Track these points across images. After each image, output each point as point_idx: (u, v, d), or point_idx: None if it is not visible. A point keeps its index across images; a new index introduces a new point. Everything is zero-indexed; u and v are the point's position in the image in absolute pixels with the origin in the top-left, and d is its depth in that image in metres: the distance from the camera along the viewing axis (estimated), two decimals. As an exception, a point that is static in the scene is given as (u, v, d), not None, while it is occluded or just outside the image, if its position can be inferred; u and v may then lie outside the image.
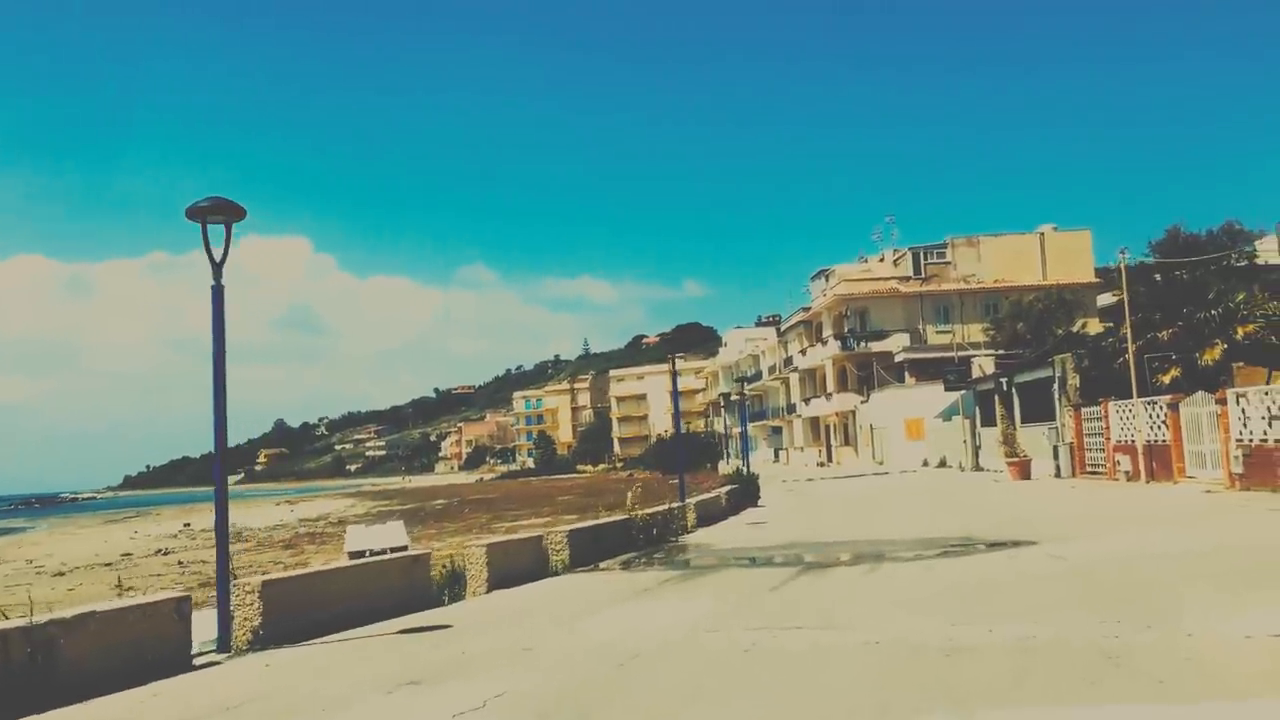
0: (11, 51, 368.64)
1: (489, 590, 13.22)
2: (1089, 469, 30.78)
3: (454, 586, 13.53)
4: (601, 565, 15.62)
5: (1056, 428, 32.87)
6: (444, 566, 13.76)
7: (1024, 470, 32.92)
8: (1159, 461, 25.91)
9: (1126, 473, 27.44)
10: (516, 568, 13.97)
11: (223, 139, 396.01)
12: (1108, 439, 29.10)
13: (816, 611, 9.63)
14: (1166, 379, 28.40)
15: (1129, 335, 27.37)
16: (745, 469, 37.20)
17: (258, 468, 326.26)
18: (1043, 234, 70.27)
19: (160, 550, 40.33)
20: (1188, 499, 20.94)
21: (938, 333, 66.94)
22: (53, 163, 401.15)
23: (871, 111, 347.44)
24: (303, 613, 10.17)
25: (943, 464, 47.00)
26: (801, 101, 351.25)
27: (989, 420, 40.81)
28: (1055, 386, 32.93)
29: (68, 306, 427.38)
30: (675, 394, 23.34)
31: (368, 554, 27.55)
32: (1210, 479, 23.10)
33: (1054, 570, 11.62)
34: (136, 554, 40.76)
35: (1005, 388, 38.01)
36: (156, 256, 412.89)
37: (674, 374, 22.66)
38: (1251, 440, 21.06)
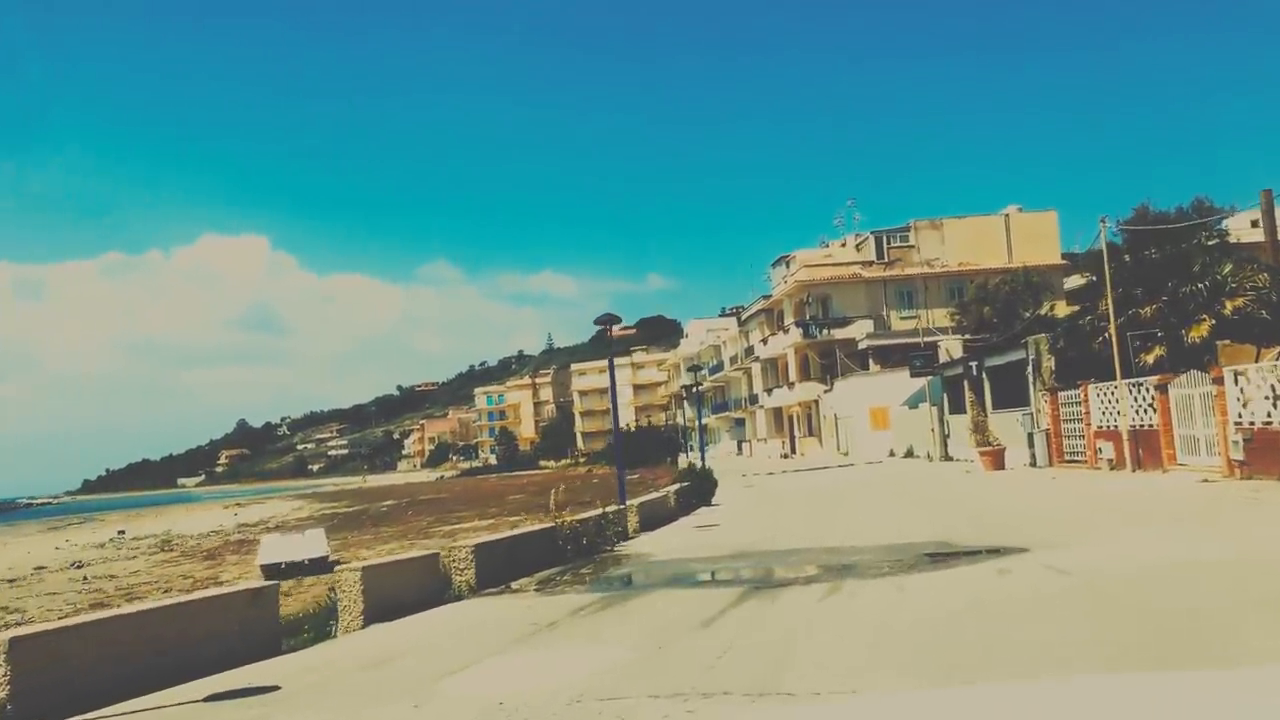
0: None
1: (365, 624, 10.75)
2: (1068, 457, 28.66)
3: (325, 621, 11.09)
4: (515, 585, 13.17)
5: (1031, 414, 30.74)
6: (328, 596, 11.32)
7: (998, 460, 30.76)
8: (1146, 448, 23.76)
9: (1110, 461, 25.31)
10: (404, 594, 11.50)
11: (179, 138, 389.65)
12: (1088, 425, 26.97)
13: (757, 661, 7.23)
14: (1150, 358, 26.31)
15: (1110, 311, 25.19)
16: (701, 463, 34.86)
17: (219, 469, 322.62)
18: (1008, 215, 68.52)
19: (75, 563, 37.41)
20: (1185, 490, 18.76)
21: (902, 318, 65.05)
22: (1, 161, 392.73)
23: (832, 98, 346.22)
24: (80, 675, 7.65)
25: (910, 454, 44.89)
26: (761, 90, 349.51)
27: (958, 407, 38.69)
28: (1029, 370, 30.79)
29: (19, 309, 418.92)
30: (613, 389, 20.98)
31: (283, 566, 25.06)
32: (1205, 466, 20.95)
33: (1057, 589, 9.30)
34: (52, 566, 37.83)
35: (975, 372, 35.86)
36: (112, 257, 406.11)
37: (612, 368, 20.34)
38: (1254, 423, 18.88)
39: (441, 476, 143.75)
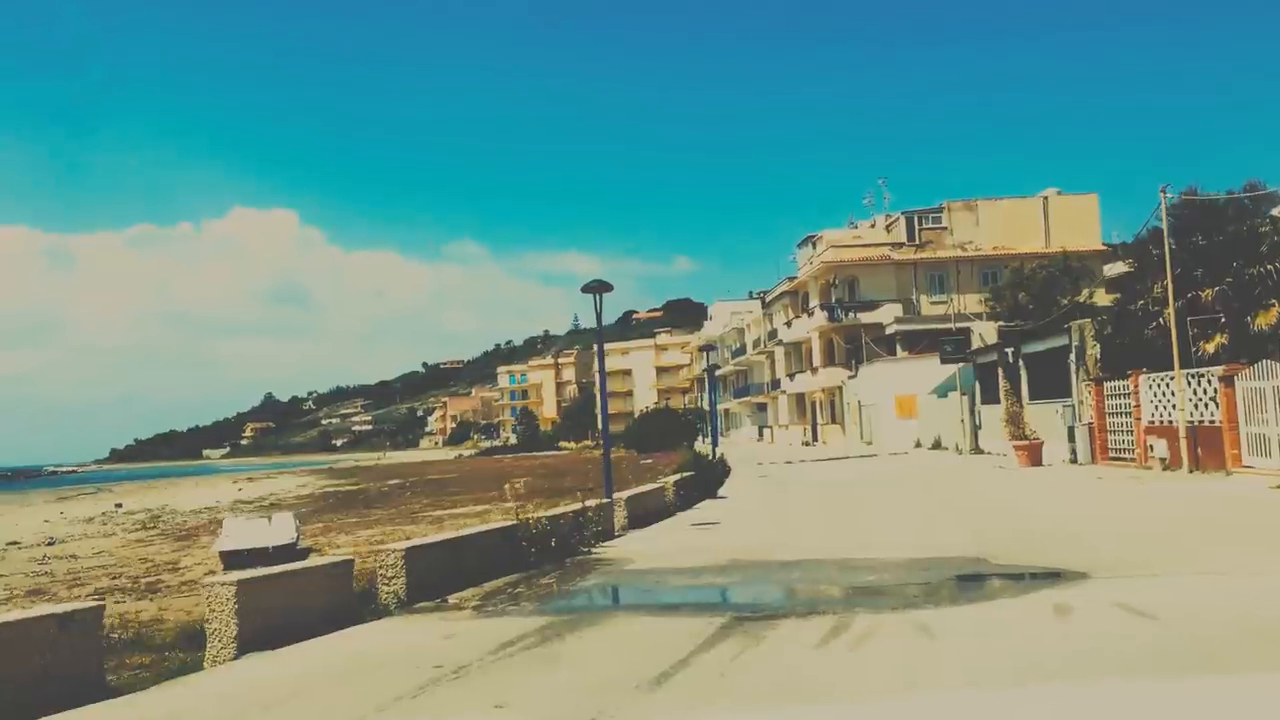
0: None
1: (238, 654, 8.40)
2: (1112, 454, 26.03)
3: (188, 647, 8.76)
4: (454, 599, 10.79)
5: (1073, 405, 28.11)
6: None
7: (1034, 455, 28.15)
8: (1206, 447, 21.12)
9: (1162, 460, 22.68)
10: (302, 612, 9.15)
11: (210, 111, 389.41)
12: (1138, 419, 24.33)
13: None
14: (1210, 347, 23.61)
15: (1170, 292, 22.48)
16: (712, 451, 32.41)
17: (244, 441, 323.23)
18: (1046, 198, 65.39)
19: (50, 540, 35.38)
20: (1258, 498, 16.17)
21: (932, 303, 62.20)
22: (36, 133, 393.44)
23: (865, 75, 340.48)
24: None
25: (937, 445, 42.27)
26: (793, 68, 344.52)
27: (991, 397, 36.03)
28: (1071, 357, 28.13)
29: (51, 279, 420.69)
30: (601, 372, 18.47)
31: (246, 553, 22.80)
32: (1277, 470, 18.32)
33: (1145, 645, 6.82)
34: (27, 541, 35.83)
35: (1011, 359, 33.19)
36: (142, 228, 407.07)
37: (600, 342, 17.84)
38: (1342, 422, 16.25)
39: (460, 455, 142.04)
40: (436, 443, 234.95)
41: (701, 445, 60.39)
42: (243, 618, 8.48)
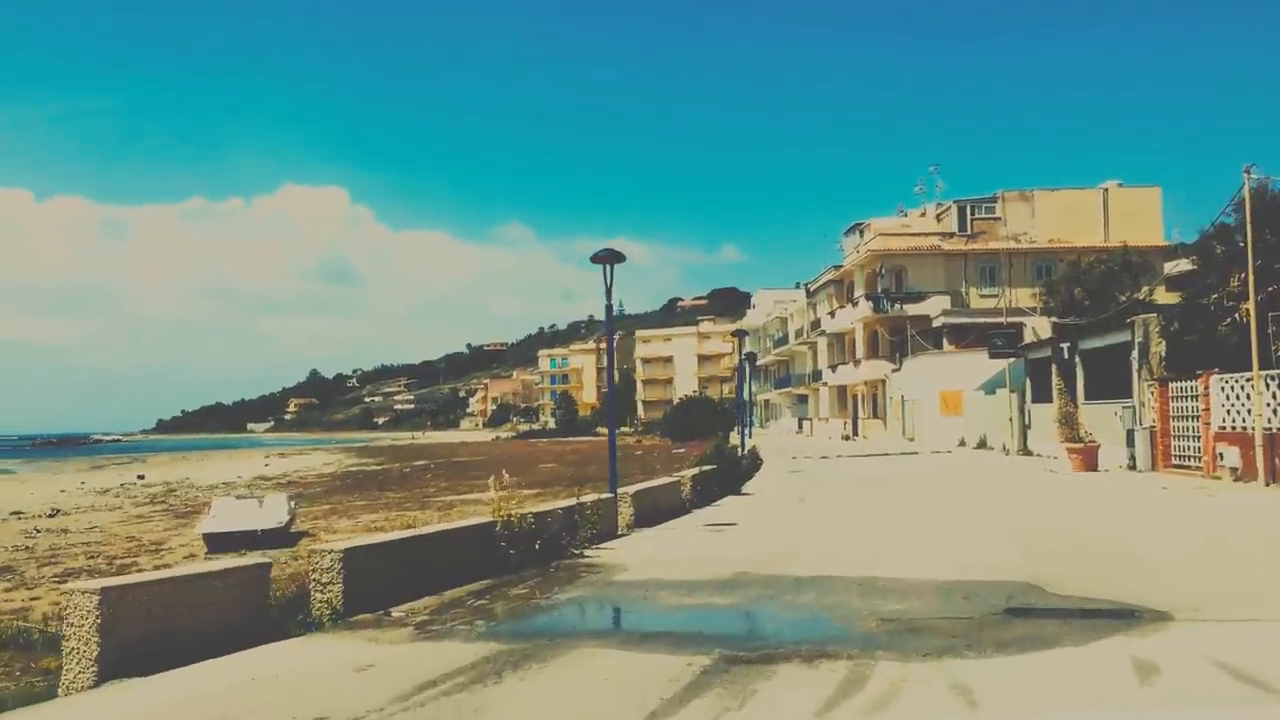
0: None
1: (98, 680, 6.75)
2: (1175, 461, 23.87)
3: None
4: (400, 611, 9.08)
5: (1133, 407, 25.93)
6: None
7: (1089, 459, 26.00)
8: (1286, 458, 18.97)
9: (1234, 470, 20.53)
10: (196, 627, 7.47)
11: (265, 87, 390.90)
12: (1206, 424, 22.16)
13: None
14: (1291, 347, 21.40)
15: (1251, 284, 20.30)
16: (741, 443, 30.55)
17: (287, 416, 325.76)
18: (1106, 190, 62.75)
19: (52, 511, 34.25)
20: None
21: (982, 296, 59.87)
22: (96, 106, 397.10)
23: (920, 63, 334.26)
24: None
25: (983, 444, 40.09)
26: (848, 58, 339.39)
27: (1043, 395, 33.82)
28: (1134, 355, 25.93)
29: (106, 250, 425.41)
30: (610, 353, 16.63)
31: (235, 536, 21.28)
32: (1372, 487, 16.19)
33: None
34: (31, 511, 34.79)
35: (1066, 356, 30.97)
36: (195, 202, 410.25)
37: (610, 328, 15.95)
38: None
39: (497, 437, 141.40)
40: (476, 424, 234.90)
41: (749, 434, 58.60)
42: (107, 635, 6.80)
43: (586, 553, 12.75)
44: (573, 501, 13.51)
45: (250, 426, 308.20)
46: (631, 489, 16.10)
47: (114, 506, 35.81)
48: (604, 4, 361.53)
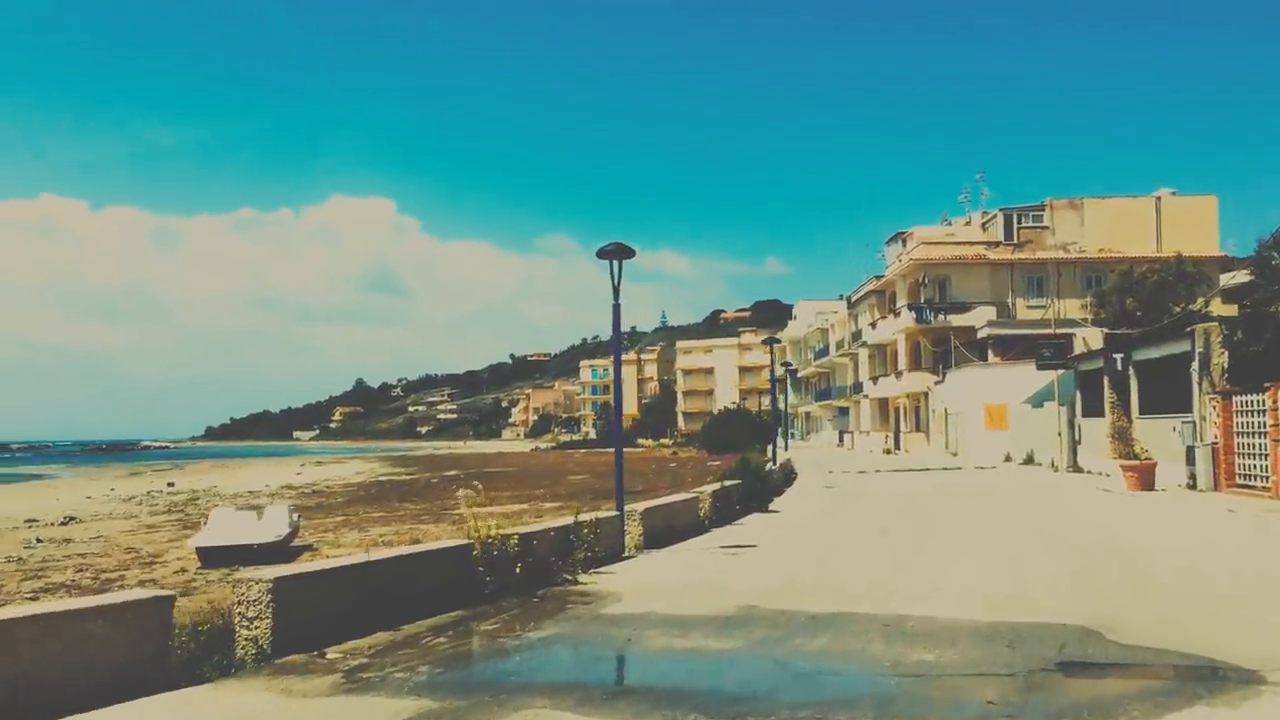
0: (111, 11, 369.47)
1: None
2: (1240, 481, 22.12)
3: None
4: (338, 651, 7.76)
5: (1193, 421, 24.18)
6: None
7: (1145, 477, 24.27)
8: (1367, 479, 17.23)
9: (1307, 492, 18.79)
10: (71, 673, 6.18)
11: (313, 99, 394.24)
12: (1275, 440, 20.42)
13: None
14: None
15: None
16: (773, 456, 29.06)
17: (333, 425, 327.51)
18: (1159, 198, 60.51)
19: (65, 519, 33.37)
20: None
21: (1029, 307, 57.81)
22: (152, 118, 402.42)
23: (966, 67, 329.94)
24: None
25: (1030, 460, 38.25)
26: (893, 64, 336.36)
27: (1094, 409, 32.04)
28: (1194, 366, 24.19)
29: (157, 259, 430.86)
30: (616, 352, 15.21)
31: (227, 550, 20.09)
32: None
33: None
34: (47, 519, 33.95)
35: (1120, 367, 29.19)
36: (245, 213, 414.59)
37: (616, 329, 14.58)
38: None
39: (536, 448, 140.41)
40: (518, 434, 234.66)
41: (784, 447, 57.04)
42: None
43: (581, 578, 11.38)
44: (567, 521, 12.15)
45: (296, 434, 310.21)
46: (640, 506, 14.71)
47: (131, 515, 34.85)
48: (648, 16, 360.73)
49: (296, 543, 22.11)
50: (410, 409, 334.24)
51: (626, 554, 13.61)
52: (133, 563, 20.76)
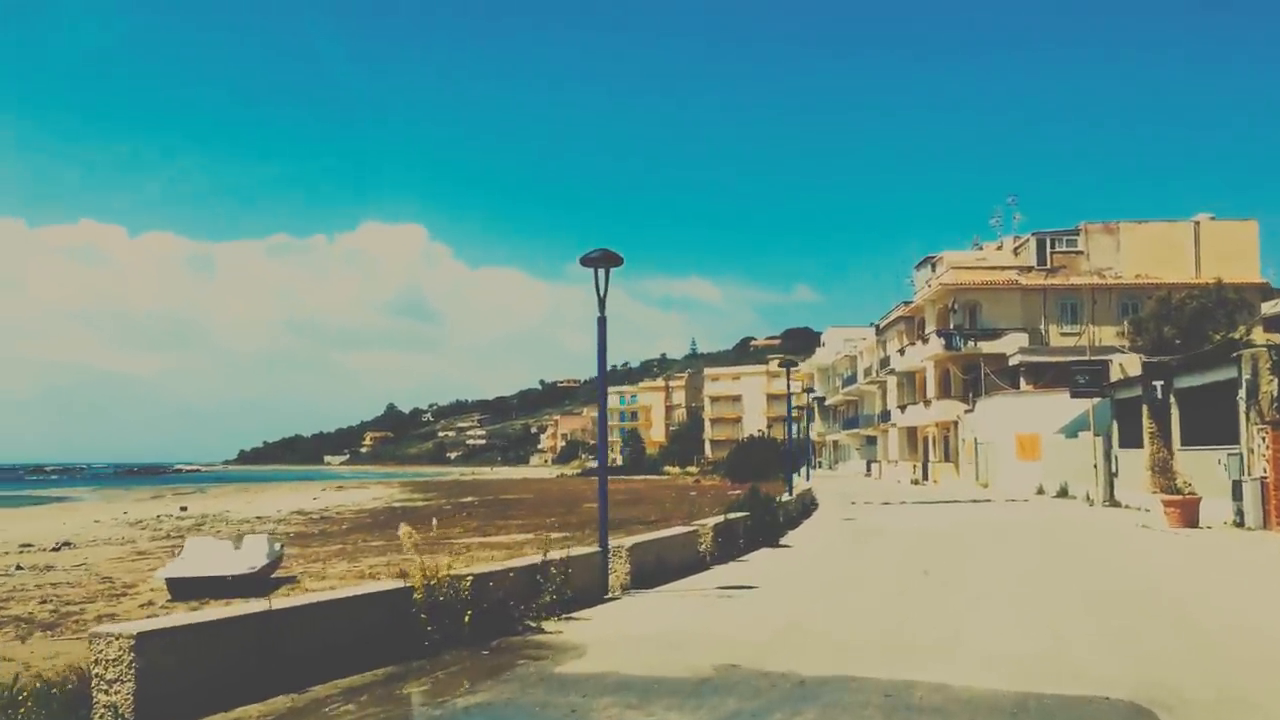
0: (136, 40, 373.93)
1: None
2: (1293, 519, 20.41)
3: None
4: (218, 722, 6.38)
5: (1240, 454, 22.48)
6: None
7: (1188, 514, 22.58)
8: None
9: (1370, 532, 17.10)
10: None
11: (347, 126, 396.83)
12: (1333, 476, 18.73)
13: None
14: None
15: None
16: (789, 487, 27.54)
17: (363, 449, 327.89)
18: (1198, 223, 58.67)
19: (58, 545, 32.21)
20: None
21: (1062, 334, 56.07)
22: (188, 145, 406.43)
23: (998, 90, 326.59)
24: None
25: (1063, 493, 36.48)
26: (923, 87, 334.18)
27: (1132, 439, 30.30)
28: (1241, 394, 22.52)
29: (193, 284, 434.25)
30: (601, 370, 13.67)
31: (199, 581, 18.81)
32: None
33: None
34: (45, 544, 32.89)
35: (1160, 395, 27.49)
36: (279, 238, 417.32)
37: (601, 344, 13.15)
38: None
39: (561, 474, 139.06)
40: (546, 460, 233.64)
41: (801, 478, 55.38)
42: None
43: (547, 626, 9.97)
44: (534, 560, 10.74)
45: (327, 459, 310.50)
46: (629, 541, 13.25)
47: (129, 540, 33.74)
48: (679, 46, 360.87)
49: (280, 573, 20.82)
50: (440, 434, 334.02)
51: (610, 595, 12.18)
52: (102, 594, 19.51)
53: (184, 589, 18.52)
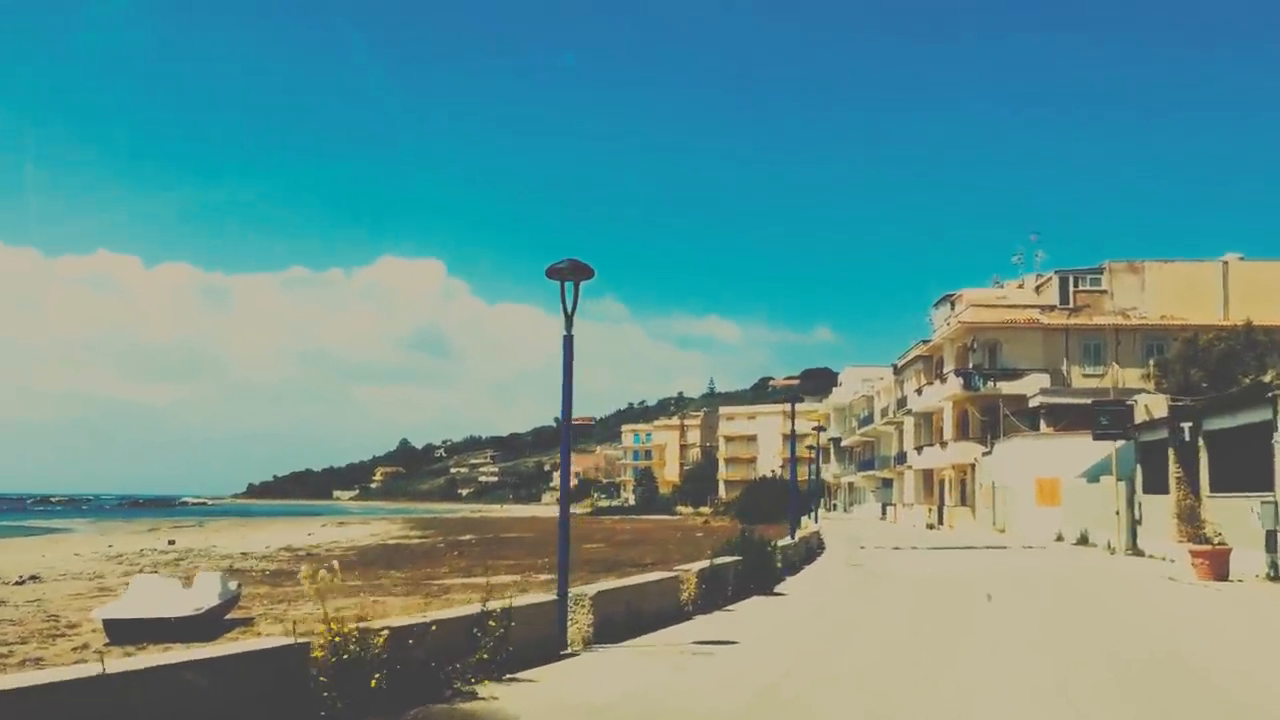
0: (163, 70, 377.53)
1: None
2: (1335, 573, 18.79)
3: None
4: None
5: (1274, 502, 20.85)
6: None
7: (1219, 565, 20.96)
8: None
9: None
10: None
11: (366, 162, 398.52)
12: (1381, 527, 17.13)
13: None
14: None
15: None
16: (791, 530, 26.00)
17: (373, 485, 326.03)
18: (1226, 263, 57.10)
19: (21, 579, 30.83)
20: None
21: (1085, 375, 54.40)
22: (208, 178, 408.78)
23: (1021, 126, 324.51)
24: None
25: (1083, 540, 34.80)
26: (942, 124, 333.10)
27: (1157, 485, 28.67)
28: (1277, 437, 20.94)
29: (207, 316, 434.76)
30: (567, 394, 12.20)
31: (140, 623, 17.39)
32: None
33: None
34: (13, 577, 31.59)
35: (1187, 437, 25.89)
36: (296, 271, 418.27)
37: (568, 367, 11.73)
38: None
39: (571, 513, 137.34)
40: (557, 498, 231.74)
41: (811, 519, 53.70)
42: None
43: (482, 690, 8.52)
44: (472, 610, 9.29)
45: (336, 494, 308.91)
46: (592, 589, 11.78)
47: (98, 575, 32.39)
48: (694, 86, 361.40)
49: (237, 614, 19.41)
50: (452, 470, 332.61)
51: (567, 651, 10.70)
52: (40, 634, 18.11)
53: (123, 631, 17.08)
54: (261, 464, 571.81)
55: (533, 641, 9.98)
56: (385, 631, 8.00)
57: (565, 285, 11.39)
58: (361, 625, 7.93)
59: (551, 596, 11.04)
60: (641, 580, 13.81)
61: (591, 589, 11.73)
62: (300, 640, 7.44)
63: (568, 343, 11.66)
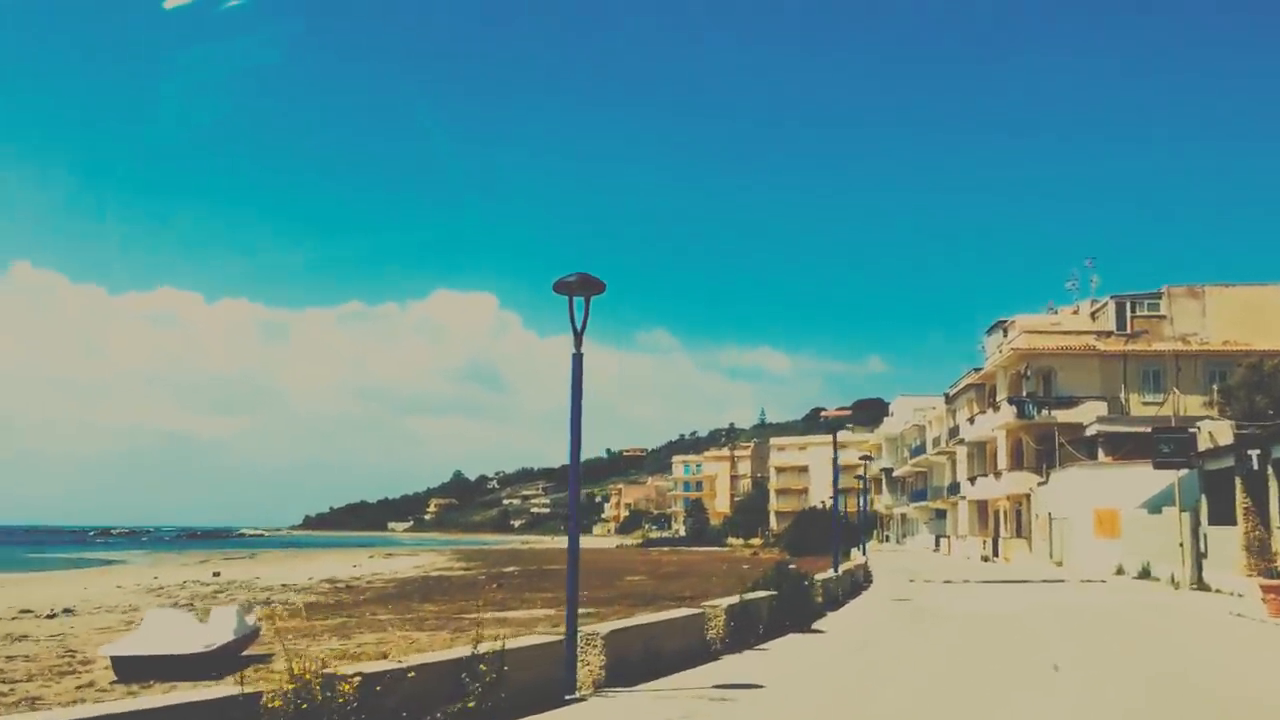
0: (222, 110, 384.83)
1: None
2: None
3: None
4: None
5: (1353, 534, 19.52)
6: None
7: (1293, 601, 19.60)
8: None
9: None
10: None
11: (419, 196, 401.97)
12: None
13: None
14: None
15: None
16: (835, 563, 24.87)
17: (427, 516, 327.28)
18: (1290, 286, 55.18)
19: (52, 612, 30.48)
20: None
21: (1144, 403, 52.59)
22: (268, 216, 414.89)
23: (1077, 153, 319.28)
24: None
25: (1145, 574, 33.23)
26: (998, 153, 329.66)
27: (1223, 516, 27.22)
28: (1353, 464, 19.62)
29: (266, 350, 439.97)
30: (576, 416, 11.35)
31: (152, 660, 16.73)
32: None
33: None
34: (43, 610, 31.32)
35: (1256, 465, 24.49)
36: (352, 306, 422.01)
37: (576, 385, 10.93)
38: None
39: (621, 545, 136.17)
40: (609, 529, 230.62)
41: (860, 551, 52.27)
42: None
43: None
44: (461, 653, 8.45)
45: (391, 525, 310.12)
46: (605, 628, 10.89)
47: (133, 608, 31.96)
48: (743, 117, 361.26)
49: (256, 649, 18.69)
50: (505, 502, 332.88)
51: (576, 695, 9.83)
52: (50, 671, 17.55)
53: (131, 669, 16.44)
54: (318, 496, 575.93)
55: (534, 685, 9.13)
56: (356, 678, 7.18)
57: (574, 301, 10.58)
58: (326, 671, 7.11)
59: (558, 636, 10.16)
60: (662, 618, 12.87)
61: (605, 627, 10.84)
62: (249, 691, 6.63)
63: (577, 361, 10.88)
